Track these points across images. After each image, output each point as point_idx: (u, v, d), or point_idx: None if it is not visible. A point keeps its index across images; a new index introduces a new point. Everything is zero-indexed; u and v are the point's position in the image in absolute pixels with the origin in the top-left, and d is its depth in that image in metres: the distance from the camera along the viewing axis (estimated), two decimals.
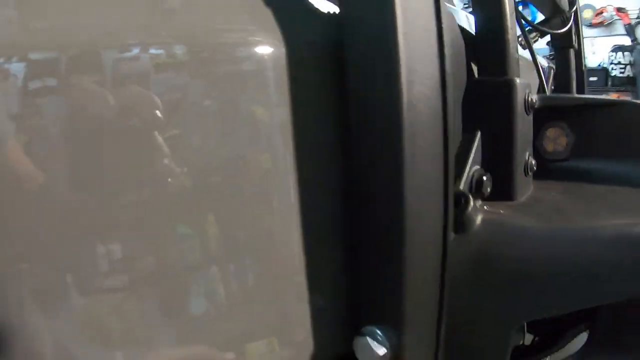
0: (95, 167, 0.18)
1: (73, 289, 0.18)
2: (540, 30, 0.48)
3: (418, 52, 0.20)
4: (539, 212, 0.28)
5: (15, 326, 0.17)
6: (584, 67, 0.57)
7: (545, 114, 0.36)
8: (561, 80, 0.56)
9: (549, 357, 0.39)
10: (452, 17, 0.30)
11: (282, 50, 0.20)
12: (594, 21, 2.83)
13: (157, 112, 0.18)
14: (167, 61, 0.18)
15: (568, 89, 0.56)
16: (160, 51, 0.18)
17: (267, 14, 0.20)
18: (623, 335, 0.33)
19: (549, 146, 0.35)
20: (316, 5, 0.23)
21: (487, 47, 0.30)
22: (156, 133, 0.18)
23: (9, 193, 0.17)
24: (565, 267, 0.25)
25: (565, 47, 0.55)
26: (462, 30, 0.32)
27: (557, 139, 0.35)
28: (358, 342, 0.22)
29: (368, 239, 0.22)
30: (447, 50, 0.20)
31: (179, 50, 0.18)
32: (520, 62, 0.31)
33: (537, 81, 0.45)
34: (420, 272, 0.22)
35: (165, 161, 0.18)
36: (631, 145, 0.33)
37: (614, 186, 0.31)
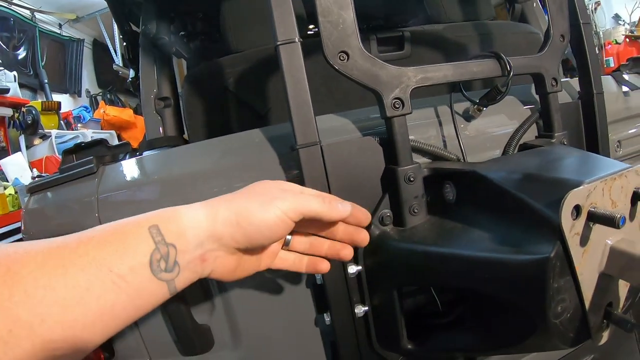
0: None
1: None
2: (478, 104, 0.62)
3: None
4: (404, 234, 0.58)
5: None
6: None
7: (441, 176, 0.59)
8: (545, 122, 0.63)
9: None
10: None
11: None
12: None
13: None
14: None
15: (550, 130, 0.63)
16: None
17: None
18: (480, 319, 0.56)
19: (446, 195, 0.59)
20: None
21: (389, 149, 0.60)
22: None
23: None
24: (401, 262, 0.56)
25: (543, 94, 0.62)
26: (383, 140, 0.62)
27: (449, 192, 0.58)
28: None
29: None
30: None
31: None
32: None
33: None
34: None
35: None
36: (482, 201, 0.53)
37: (467, 226, 0.54)
